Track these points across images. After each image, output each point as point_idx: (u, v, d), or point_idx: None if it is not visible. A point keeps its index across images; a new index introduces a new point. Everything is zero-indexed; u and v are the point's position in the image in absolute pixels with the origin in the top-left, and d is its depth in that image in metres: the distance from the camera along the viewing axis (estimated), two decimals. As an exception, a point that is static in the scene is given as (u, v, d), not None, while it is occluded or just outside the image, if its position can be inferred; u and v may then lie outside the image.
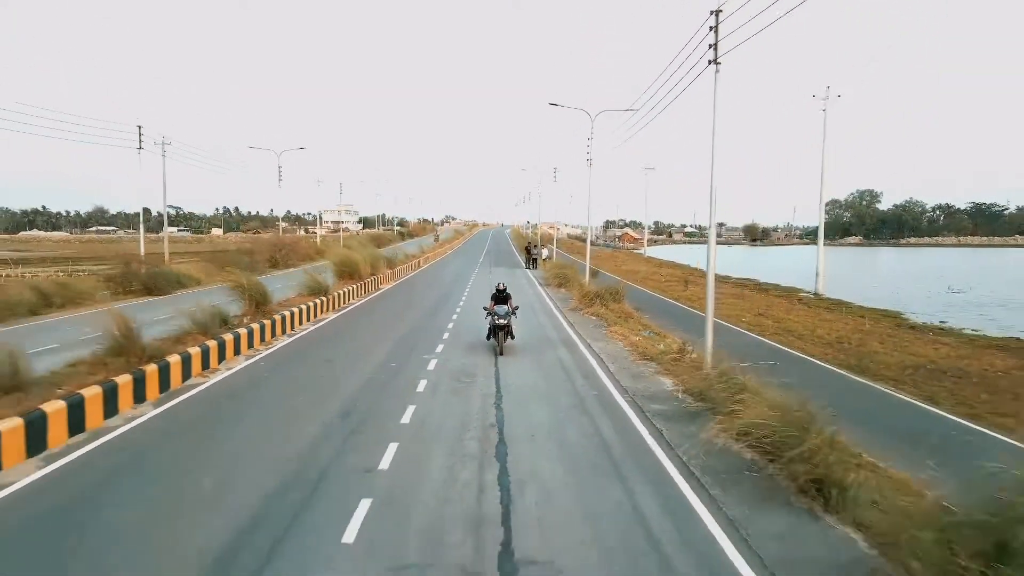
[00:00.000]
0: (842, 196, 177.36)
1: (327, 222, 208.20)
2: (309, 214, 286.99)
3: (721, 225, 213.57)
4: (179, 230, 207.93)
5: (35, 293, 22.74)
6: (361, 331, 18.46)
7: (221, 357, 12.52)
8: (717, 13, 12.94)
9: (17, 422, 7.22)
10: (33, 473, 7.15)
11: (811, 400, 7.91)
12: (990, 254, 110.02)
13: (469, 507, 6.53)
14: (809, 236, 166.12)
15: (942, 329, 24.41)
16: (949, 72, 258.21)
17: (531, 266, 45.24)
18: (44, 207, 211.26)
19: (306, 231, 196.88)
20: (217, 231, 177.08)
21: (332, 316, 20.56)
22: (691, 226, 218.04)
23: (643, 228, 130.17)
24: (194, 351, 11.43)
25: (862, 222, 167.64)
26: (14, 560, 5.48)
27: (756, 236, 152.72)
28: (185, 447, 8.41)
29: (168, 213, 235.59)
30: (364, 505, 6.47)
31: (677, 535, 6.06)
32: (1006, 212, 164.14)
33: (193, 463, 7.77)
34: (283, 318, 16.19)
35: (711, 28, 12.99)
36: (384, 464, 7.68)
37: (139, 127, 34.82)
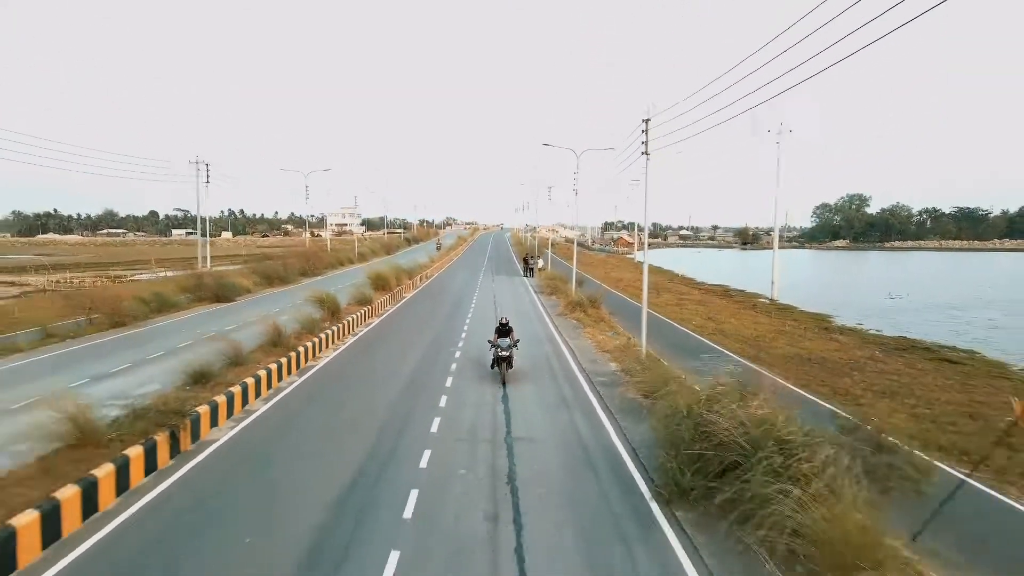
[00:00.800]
0: (832, 200, 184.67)
1: (331, 225, 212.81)
2: (312, 216, 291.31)
3: (715, 228, 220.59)
4: (187, 233, 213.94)
5: (138, 301, 29.33)
6: (403, 331, 25.11)
7: (322, 348, 19.20)
8: (647, 121, 19.61)
9: (251, 380, 13.92)
10: (262, 407, 13.83)
11: (688, 370, 14.62)
12: (965, 258, 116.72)
13: (489, 420, 13.21)
14: (799, 239, 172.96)
15: (852, 329, 31.09)
16: (950, 75, 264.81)
17: (529, 275, 51.86)
18: (56, 210, 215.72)
19: (312, 234, 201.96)
20: (227, 235, 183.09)
21: (376, 321, 27.21)
22: (686, 228, 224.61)
23: (637, 232, 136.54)
24: (309, 344, 18.11)
25: (851, 225, 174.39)
26: (296, 429, 12.12)
27: (747, 240, 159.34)
28: (334, 394, 15.11)
29: (175, 216, 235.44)
30: (436, 420, 13.12)
31: (591, 431, 12.75)
32: (989, 216, 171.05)
33: (341, 401, 14.47)
34: (349, 322, 22.86)
35: (643, 131, 19.66)
36: (442, 404, 14.37)
37: (207, 164, 41.02)
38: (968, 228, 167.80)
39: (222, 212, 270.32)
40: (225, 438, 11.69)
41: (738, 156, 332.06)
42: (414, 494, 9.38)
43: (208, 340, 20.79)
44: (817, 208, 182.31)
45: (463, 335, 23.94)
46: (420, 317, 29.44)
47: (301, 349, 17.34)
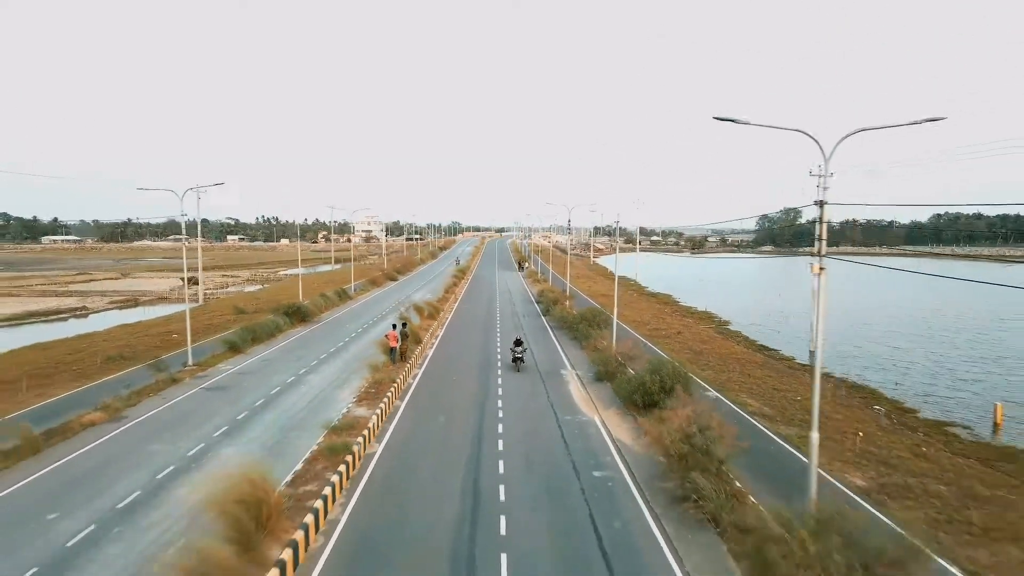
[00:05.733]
0: (773, 212, 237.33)
1: (359, 231, 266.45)
2: (335, 222, 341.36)
3: (681, 234, 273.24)
4: (240, 238, 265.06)
5: (384, 276, 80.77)
6: (472, 305, 75.62)
7: (459, 287, 71.46)
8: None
9: (460, 290, 66.36)
10: (461, 294, 66.15)
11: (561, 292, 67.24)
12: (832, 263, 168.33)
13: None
14: (735, 246, 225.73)
15: (649, 293, 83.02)
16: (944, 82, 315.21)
17: (521, 270, 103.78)
18: (130, 219, 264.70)
19: (348, 240, 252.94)
20: (284, 241, 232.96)
21: (456, 304, 78.50)
22: (659, 231, 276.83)
23: (617, 238, 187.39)
24: (458, 288, 70.24)
25: (783, 234, 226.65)
26: (471, 292, 64.24)
27: (695, 246, 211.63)
28: (474, 286, 67.44)
29: (227, 223, 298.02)
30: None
31: (529, 300, 65.78)
32: (893, 226, 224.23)
33: (480, 283, 67.53)
34: (464, 282, 75.00)
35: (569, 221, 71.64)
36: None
37: (331, 206, 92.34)
38: (873, 236, 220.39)
39: (257, 218, 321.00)
40: (462, 293, 64.15)
41: (711, 173, 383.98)
42: (499, 289, 62.23)
43: (428, 284, 73.58)
44: (759, 218, 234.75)
45: (497, 300, 75.51)
46: (476, 299, 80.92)
47: (458, 287, 69.47)
